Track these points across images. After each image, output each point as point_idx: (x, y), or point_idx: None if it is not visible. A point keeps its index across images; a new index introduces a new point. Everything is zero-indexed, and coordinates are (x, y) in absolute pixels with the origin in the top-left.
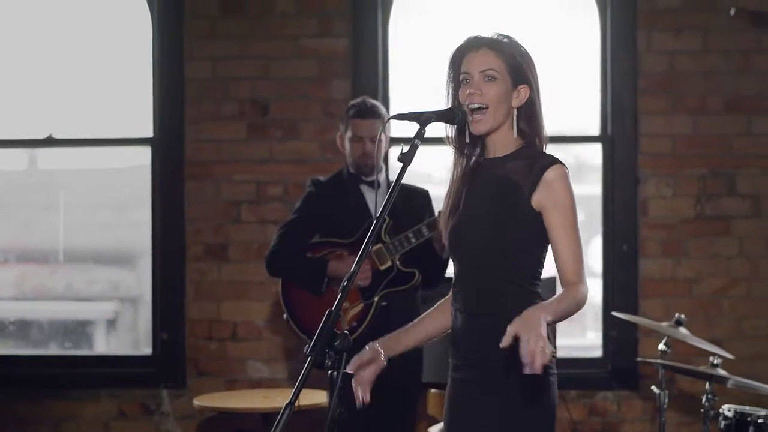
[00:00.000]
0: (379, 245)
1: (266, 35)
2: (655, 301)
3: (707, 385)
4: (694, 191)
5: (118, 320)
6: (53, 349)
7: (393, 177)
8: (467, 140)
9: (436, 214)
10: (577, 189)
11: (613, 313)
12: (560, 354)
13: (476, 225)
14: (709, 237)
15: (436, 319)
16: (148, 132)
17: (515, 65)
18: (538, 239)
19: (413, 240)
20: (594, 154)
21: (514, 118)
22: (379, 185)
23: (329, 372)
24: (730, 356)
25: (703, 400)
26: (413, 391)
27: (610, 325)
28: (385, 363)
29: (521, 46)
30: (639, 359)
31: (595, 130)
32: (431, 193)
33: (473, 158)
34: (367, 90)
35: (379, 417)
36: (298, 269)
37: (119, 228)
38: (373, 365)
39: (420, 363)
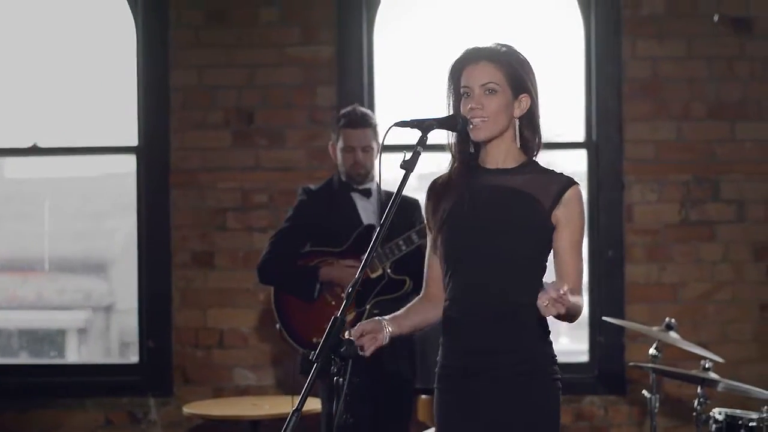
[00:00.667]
0: None
1: (251, 44)
2: (641, 306)
3: (699, 389)
4: (678, 197)
5: (90, 329)
6: (28, 358)
7: (384, 186)
8: (471, 149)
9: None
10: None
11: (604, 318)
12: None
13: (484, 234)
14: (693, 242)
15: (420, 314)
16: (134, 140)
17: (515, 75)
18: (546, 249)
19: (403, 247)
20: (579, 160)
21: (517, 128)
22: (379, 195)
23: (335, 379)
24: (720, 360)
25: (695, 403)
26: (406, 397)
27: (597, 330)
28: (387, 341)
29: (520, 55)
30: (631, 364)
31: (579, 136)
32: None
33: (472, 167)
34: (352, 97)
35: (372, 423)
36: (289, 276)
37: (95, 236)
38: (374, 340)
39: (413, 368)
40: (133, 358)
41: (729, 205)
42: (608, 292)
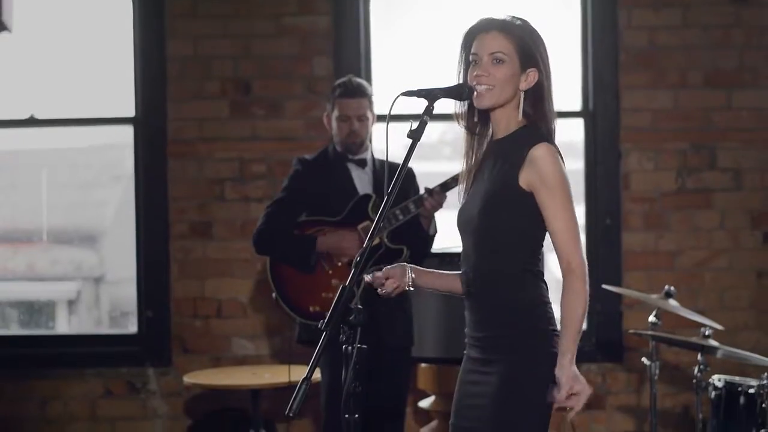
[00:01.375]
0: (367, 222)
1: (247, 13)
2: (638, 274)
3: (699, 356)
4: (675, 165)
5: (80, 300)
6: (18, 329)
7: (378, 155)
8: (476, 118)
9: (422, 191)
10: None
11: (603, 286)
12: None
13: (474, 205)
14: (690, 210)
15: (445, 281)
16: (131, 111)
17: (525, 48)
18: (533, 219)
19: (401, 217)
20: (576, 129)
21: (521, 100)
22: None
23: (344, 346)
24: (720, 327)
25: (696, 371)
26: (405, 366)
27: (594, 297)
28: (410, 288)
29: (534, 30)
30: (631, 331)
31: (576, 105)
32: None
33: (485, 141)
34: (349, 67)
35: (372, 394)
36: (286, 246)
37: (92, 207)
38: (397, 282)
39: (411, 337)
40: (132, 328)
41: (725, 173)
42: (606, 260)
